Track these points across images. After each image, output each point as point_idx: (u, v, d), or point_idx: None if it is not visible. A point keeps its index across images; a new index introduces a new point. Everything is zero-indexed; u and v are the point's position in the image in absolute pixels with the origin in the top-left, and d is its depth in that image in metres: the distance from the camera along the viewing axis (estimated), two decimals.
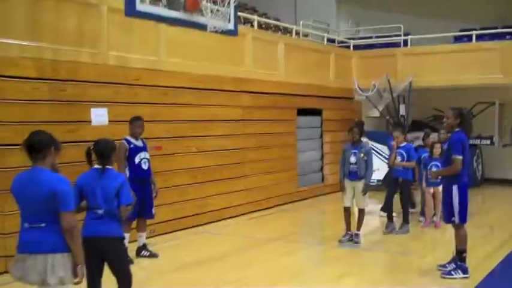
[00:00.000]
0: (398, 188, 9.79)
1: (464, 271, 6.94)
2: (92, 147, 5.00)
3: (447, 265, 7.20)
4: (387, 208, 9.82)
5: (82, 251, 4.24)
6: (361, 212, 9.03)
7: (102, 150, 4.96)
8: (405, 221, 9.73)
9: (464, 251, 6.98)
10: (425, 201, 10.22)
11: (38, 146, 4.15)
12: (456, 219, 6.84)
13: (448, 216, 6.94)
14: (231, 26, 7.86)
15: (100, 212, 4.87)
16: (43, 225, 4.11)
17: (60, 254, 4.10)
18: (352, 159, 8.79)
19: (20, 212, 4.25)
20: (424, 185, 10.15)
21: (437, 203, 9.92)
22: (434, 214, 10.13)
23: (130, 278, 5.04)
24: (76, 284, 4.22)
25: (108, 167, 4.97)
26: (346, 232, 9.07)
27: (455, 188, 6.81)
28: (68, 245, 4.12)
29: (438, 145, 9.84)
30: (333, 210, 11.95)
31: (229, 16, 7.82)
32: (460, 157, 6.75)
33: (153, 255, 8.13)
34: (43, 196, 4.07)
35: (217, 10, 7.42)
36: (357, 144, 8.87)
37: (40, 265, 4.07)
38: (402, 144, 9.73)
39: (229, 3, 7.66)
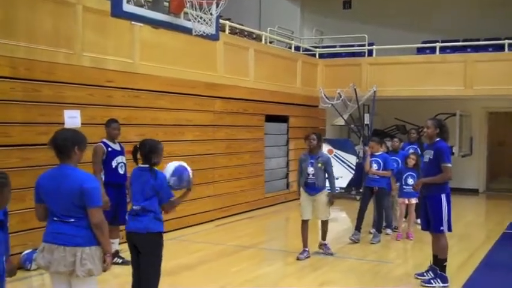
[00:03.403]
0: (372, 197, 9.64)
1: (444, 280, 7.00)
2: (138, 145, 5.33)
3: (425, 274, 7.27)
4: (358, 217, 9.58)
5: (110, 242, 4.42)
6: (325, 223, 8.54)
7: (147, 149, 5.25)
8: (378, 230, 9.63)
9: (445, 260, 7.04)
10: (398, 212, 10.17)
11: (62, 145, 4.26)
12: (444, 228, 6.89)
13: (436, 226, 6.89)
14: (212, 31, 7.71)
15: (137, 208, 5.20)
16: (72, 220, 4.24)
17: (88, 247, 4.23)
18: (310, 169, 8.19)
19: (47, 207, 4.31)
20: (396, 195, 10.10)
21: (410, 214, 9.96)
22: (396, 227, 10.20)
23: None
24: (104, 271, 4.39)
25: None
26: (304, 249, 8.42)
27: (443, 197, 6.86)
28: (95, 238, 4.26)
29: (413, 156, 9.83)
30: (297, 218, 11.88)
31: (212, 21, 7.68)
32: (450, 165, 6.83)
33: (125, 263, 7.91)
34: (71, 193, 4.18)
35: (200, 17, 7.27)
36: (314, 153, 8.28)
37: (69, 257, 4.19)
38: (378, 153, 9.59)
39: (211, 9, 7.51)
